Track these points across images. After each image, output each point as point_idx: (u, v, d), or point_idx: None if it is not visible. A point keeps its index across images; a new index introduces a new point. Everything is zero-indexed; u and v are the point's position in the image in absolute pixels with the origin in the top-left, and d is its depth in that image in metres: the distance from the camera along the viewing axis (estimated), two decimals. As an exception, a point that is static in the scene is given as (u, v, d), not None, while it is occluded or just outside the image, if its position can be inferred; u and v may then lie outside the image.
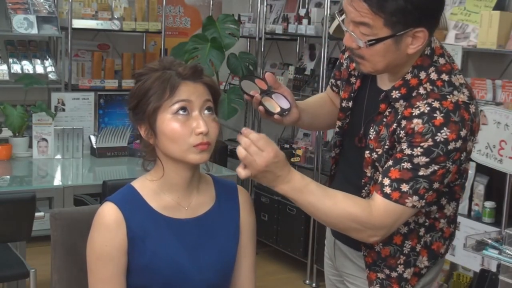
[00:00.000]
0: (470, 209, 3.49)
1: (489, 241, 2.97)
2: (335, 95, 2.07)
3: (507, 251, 2.84)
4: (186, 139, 1.61)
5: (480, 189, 3.45)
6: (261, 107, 1.86)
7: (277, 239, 4.75)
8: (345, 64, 1.96)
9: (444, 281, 3.76)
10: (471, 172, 3.47)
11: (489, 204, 3.41)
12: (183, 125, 1.61)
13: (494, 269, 3.30)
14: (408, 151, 1.65)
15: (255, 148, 1.59)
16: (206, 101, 1.64)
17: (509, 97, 3.42)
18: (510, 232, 2.88)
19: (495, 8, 3.53)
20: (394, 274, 1.84)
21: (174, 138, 1.61)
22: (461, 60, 3.50)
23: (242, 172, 1.63)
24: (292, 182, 1.67)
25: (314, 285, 4.47)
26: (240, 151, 1.61)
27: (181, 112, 1.61)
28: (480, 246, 2.96)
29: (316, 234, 4.40)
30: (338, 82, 2.03)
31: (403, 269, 1.84)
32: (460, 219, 3.41)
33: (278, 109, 1.89)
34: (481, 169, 3.42)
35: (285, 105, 1.91)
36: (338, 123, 1.95)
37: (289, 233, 4.65)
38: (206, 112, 1.64)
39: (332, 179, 2.05)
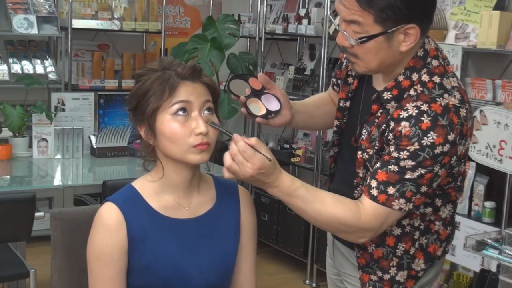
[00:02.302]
0: (470, 209, 3.49)
1: (489, 241, 2.96)
2: (337, 94, 2.06)
3: (507, 251, 2.84)
4: (186, 139, 1.61)
5: (480, 189, 3.45)
6: (243, 109, 1.85)
7: (277, 239, 4.75)
8: (345, 63, 1.95)
9: (444, 281, 3.76)
10: (471, 172, 3.47)
11: (489, 204, 3.41)
12: (182, 125, 1.60)
13: (494, 269, 3.30)
14: (395, 154, 1.66)
15: (240, 158, 1.59)
16: (205, 101, 1.64)
17: (509, 97, 3.42)
18: (510, 232, 2.88)
19: (495, 8, 3.53)
20: (386, 277, 1.84)
21: (173, 138, 1.61)
22: (461, 60, 3.50)
23: (226, 174, 1.63)
24: (280, 187, 1.67)
25: (314, 285, 4.47)
26: (226, 159, 1.61)
27: (180, 112, 1.61)
28: (480, 246, 2.96)
29: (316, 234, 4.40)
30: (339, 81, 2.02)
31: (395, 271, 1.83)
32: (460, 219, 3.41)
33: (264, 111, 1.86)
34: (481, 169, 3.42)
35: (274, 107, 1.88)
36: (336, 122, 1.96)
37: (289, 233, 4.65)
38: (205, 112, 1.64)
39: (332, 178, 2.05)
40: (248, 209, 1.80)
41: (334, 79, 2.07)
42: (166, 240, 1.66)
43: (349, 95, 1.91)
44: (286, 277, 4.61)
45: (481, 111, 3.16)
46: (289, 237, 4.65)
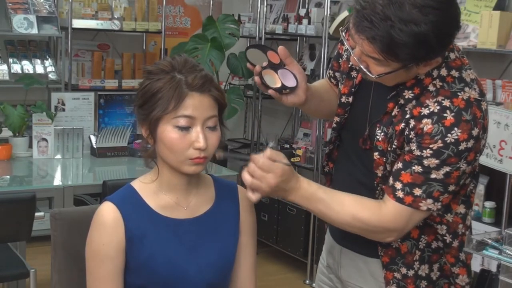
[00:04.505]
0: (470, 209, 3.49)
1: (489, 241, 2.96)
2: (333, 86, 1.99)
3: (507, 251, 2.83)
4: (184, 151, 1.61)
5: (480, 189, 3.44)
6: (257, 78, 1.78)
7: (277, 239, 4.75)
8: (345, 56, 1.85)
9: (444, 281, 3.75)
10: (471, 172, 3.47)
11: (489, 204, 3.40)
12: (182, 137, 1.60)
13: (494, 269, 3.30)
14: (417, 152, 1.61)
15: (260, 173, 1.59)
16: (210, 117, 1.63)
17: (509, 97, 3.42)
18: (510, 232, 2.87)
19: (495, 8, 3.53)
20: (410, 273, 1.78)
21: (172, 148, 1.61)
22: (461, 60, 3.50)
23: (252, 197, 1.63)
24: (300, 191, 1.66)
25: (314, 285, 4.46)
26: (246, 177, 1.61)
27: (183, 126, 1.60)
28: (480, 246, 2.95)
29: (316, 234, 4.40)
30: (337, 74, 1.94)
31: (418, 265, 1.77)
32: (460, 219, 3.41)
33: (279, 85, 1.77)
34: (481, 169, 3.40)
35: (290, 83, 1.78)
36: (337, 118, 1.87)
37: (289, 233, 4.65)
38: (208, 125, 1.63)
39: (330, 177, 1.96)
40: (247, 209, 1.80)
41: (330, 71, 1.99)
42: (164, 240, 1.66)
43: (352, 90, 1.82)
44: (286, 277, 4.61)
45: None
46: (289, 237, 4.65)
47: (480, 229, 3.31)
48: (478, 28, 3.49)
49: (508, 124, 3.08)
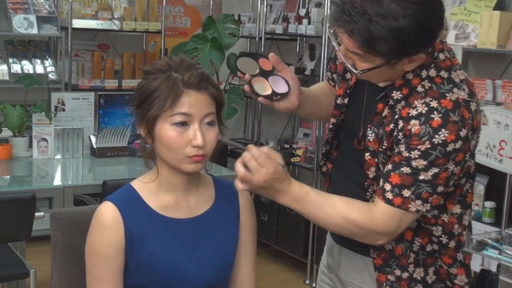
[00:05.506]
0: (470, 209, 3.49)
1: (489, 241, 2.96)
2: (332, 88, 2.00)
3: (507, 251, 2.83)
4: (182, 150, 1.61)
5: (480, 189, 3.45)
6: (246, 86, 1.79)
7: (277, 239, 4.75)
8: None
9: (444, 281, 3.75)
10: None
11: (489, 204, 3.40)
12: (180, 135, 1.60)
13: (494, 269, 3.30)
14: (406, 154, 1.61)
15: (255, 164, 1.59)
16: (207, 114, 1.63)
17: (509, 97, 3.42)
18: (510, 232, 2.87)
19: (495, 8, 3.53)
20: (405, 275, 1.78)
21: (170, 147, 1.61)
22: (461, 60, 3.50)
23: (239, 185, 1.62)
24: (291, 193, 1.66)
25: (314, 285, 4.46)
26: (239, 168, 1.60)
27: (180, 123, 1.60)
28: (480, 246, 2.95)
29: (316, 234, 4.40)
30: (334, 76, 1.96)
31: (413, 268, 1.77)
32: (460, 219, 3.41)
33: (269, 92, 1.78)
34: (481, 169, 3.41)
35: (281, 89, 1.79)
36: (333, 120, 1.88)
37: (289, 233, 4.65)
38: (206, 124, 1.63)
39: (329, 177, 1.98)
40: (247, 208, 1.80)
41: (329, 73, 2.00)
42: (164, 240, 1.66)
43: (347, 91, 1.84)
44: (286, 277, 4.61)
45: (481, 111, 3.16)
46: (289, 237, 4.65)
47: (480, 229, 3.31)
48: (478, 28, 3.49)
49: (508, 124, 3.08)
